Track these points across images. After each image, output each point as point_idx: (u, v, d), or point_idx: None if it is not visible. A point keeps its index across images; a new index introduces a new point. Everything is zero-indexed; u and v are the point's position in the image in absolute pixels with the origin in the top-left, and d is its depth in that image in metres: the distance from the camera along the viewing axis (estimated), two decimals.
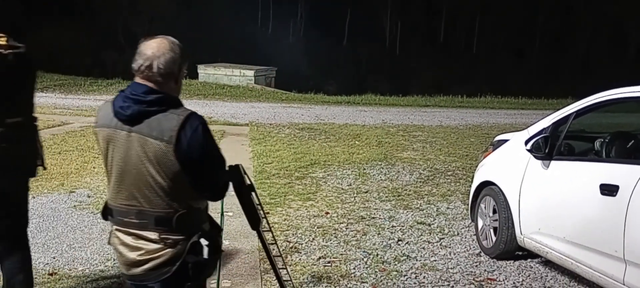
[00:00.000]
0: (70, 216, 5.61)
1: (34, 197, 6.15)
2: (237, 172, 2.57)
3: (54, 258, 4.58)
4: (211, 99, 16.28)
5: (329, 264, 4.66)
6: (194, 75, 20.57)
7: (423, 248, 5.13)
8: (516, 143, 4.87)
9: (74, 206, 5.92)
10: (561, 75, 44.70)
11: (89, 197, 6.26)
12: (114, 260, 4.55)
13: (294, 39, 53.62)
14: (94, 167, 7.56)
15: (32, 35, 39.45)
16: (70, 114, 12.39)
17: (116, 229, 2.38)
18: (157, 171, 2.22)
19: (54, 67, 22.15)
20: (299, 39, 53.51)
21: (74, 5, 45.62)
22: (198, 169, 2.26)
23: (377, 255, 4.89)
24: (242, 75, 19.58)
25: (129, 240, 2.33)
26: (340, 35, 54.08)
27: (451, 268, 4.68)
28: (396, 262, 4.75)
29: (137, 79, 2.32)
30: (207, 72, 19.83)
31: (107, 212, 2.42)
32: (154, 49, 2.29)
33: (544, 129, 4.51)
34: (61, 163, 7.69)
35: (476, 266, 4.77)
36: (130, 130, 2.24)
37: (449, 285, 4.37)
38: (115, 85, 18.09)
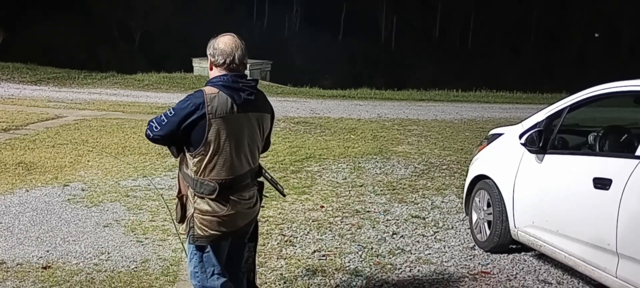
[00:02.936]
0: (64, 209, 5.59)
1: (28, 191, 6.14)
2: None
3: (48, 251, 4.56)
4: None
5: (324, 257, 4.66)
6: (189, 68, 20.53)
7: (418, 241, 5.14)
8: (510, 137, 4.88)
9: (68, 199, 5.90)
10: (555, 72, 44.81)
11: (83, 190, 6.24)
12: (109, 253, 4.55)
13: (289, 33, 53.50)
14: (88, 161, 7.53)
15: (27, 28, 39.31)
16: (64, 107, 12.33)
17: (236, 196, 2.85)
18: (262, 135, 2.96)
19: (49, 60, 22.04)
20: (294, 34, 53.39)
21: (70, 0, 45.36)
22: (271, 128, 3.08)
23: (372, 248, 4.90)
24: None
25: (249, 195, 2.93)
26: (336, 29, 54.01)
27: (445, 262, 4.70)
28: (391, 256, 4.76)
29: (222, 71, 2.81)
30: (202, 66, 19.77)
31: (224, 189, 2.79)
32: (232, 46, 2.82)
33: (538, 122, 4.52)
34: (55, 156, 7.66)
35: (470, 259, 4.79)
36: (248, 111, 2.82)
37: (443, 278, 4.39)
38: (110, 79, 18.03)
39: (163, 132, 2.77)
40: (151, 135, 2.81)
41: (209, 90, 2.75)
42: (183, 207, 2.91)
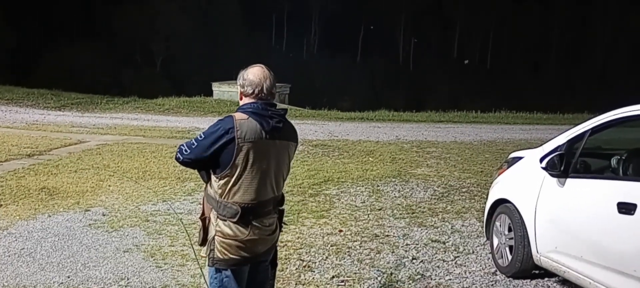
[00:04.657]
0: (85, 235, 5.65)
1: (50, 216, 6.22)
2: None
3: (69, 277, 4.60)
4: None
5: (343, 283, 4.62)
6: (209, 92, 20.76)
7: (438, 266, 5.07)
8: (531, 160, 4.81)
9: (89, 224, 5.96)
10: (578, 89, 44.30)
11: (104, 215, 6.30)
12: (128, 279, 4.58)
13: (307, 56, 53.93)
14: (109, 185, 7.62)
15: (53, 54, 40.31)
16: (87, 132, 12.53)
17: (258, 221, 2.90)
18: (288, 163, 3.04)
19: (73, 85, 22.52)
20: (312, 56, 53.80)
21: (94, 26, 46.55)
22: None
23: (391, 274, 4.85)
24: None
25: (269, 222, 2.97)
26: (354, 51, 54.31)
27: (467, 287, 4.63)
28: (410, 281, 4.70)
29: (252, 99, 2.92)
30: (221, 90, 19.99)
31: (247, 213, 2.85)
32: (260, 77, 2.93)
33: (559, 146, 4.45)
34: (77, 181, 7.77)
35: (492, 285, 4.70)
36: (276, 139, 2.90)
37: None
38: (131, 103, 18.30)
39: (193, 155, 2.87)
40: (181, 158, 2.92)
41: (239, 115, 2.86)
42: (205, 230, 2.97)
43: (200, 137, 2.86)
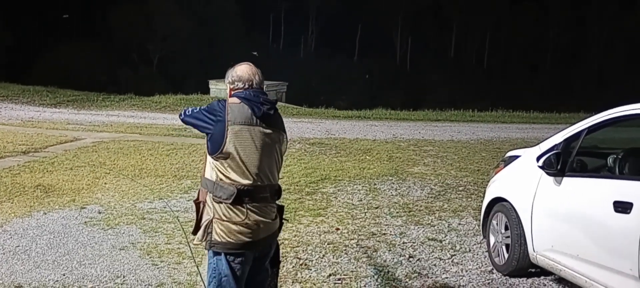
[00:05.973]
0: (81, 232, 5.62)
1: (46, 213, 6.20)
2: None
3: (64, 275, 4.58)
4: None
5: (340, 281, 4.61)
6: (206, 90, 20.73)
7: (435, 265, 5.07)
8: (528, 159, 4.81)
9: (85, 222, 5.94)
10: (575, 89, 44.40)
11: (100, 213, 6.28)
12: (124, 277, 4.56)
13: (305, 55, 53.91)
14: (105, 183, 7.60)
15: (51, 52, 40.15)
16: (82, 129, 12.50)
17: (254, 206, 2.92)
18: (280, 153, 3.06)
19: (70, 83, 22.44)
20: (309, 55, 53.79)
21: (93, 26, 46.47)
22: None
23: (388, 272, 4.84)
24: None
25: (267, 210, 2.99)
26: (351, 50, 54.28)
27: (463, 286, 4.62)
28: (407, 279, 4.70)
29: (242, 90, 2.98)
30: (218, 88, 19.96)
31: (243, 195, 2.88)
32: (250, 73, 3.04)
33: (556, 145, 4.46)
34: (73, 179, 7.74)
35: (489, 283, 4.70)
36: (266, 125, 2.94)
37: None
38: (128, 101, 18.25)
39: (191, 118, 3.02)
40: (182, 116, 3.08)
41: (232, 100, 2.96)
42: (198, 214, 3.00)
43: (197, 109, 3.01)
